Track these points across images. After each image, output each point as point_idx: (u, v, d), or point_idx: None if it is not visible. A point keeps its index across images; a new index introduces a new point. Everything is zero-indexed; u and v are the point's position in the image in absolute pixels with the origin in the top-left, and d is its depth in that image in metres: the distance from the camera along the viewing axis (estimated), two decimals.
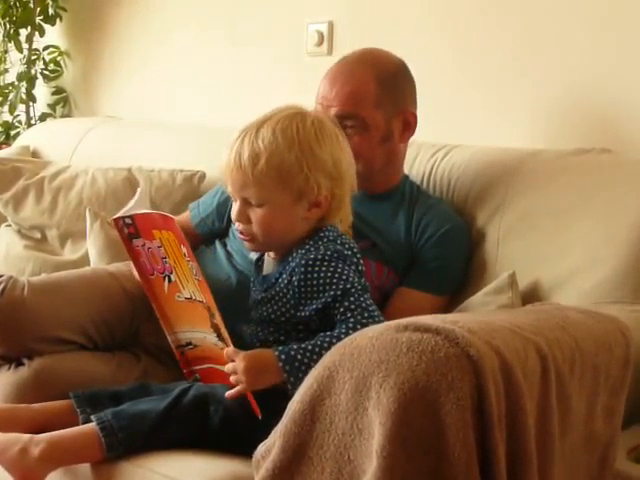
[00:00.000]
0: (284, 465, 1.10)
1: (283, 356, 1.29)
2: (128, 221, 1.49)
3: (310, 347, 1.29)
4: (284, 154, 1.38)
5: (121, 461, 1.34)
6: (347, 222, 1.49)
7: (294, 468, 1.10)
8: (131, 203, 1.57)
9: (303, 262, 1.37)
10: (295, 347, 1.30)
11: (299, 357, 1.28)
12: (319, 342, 1.29)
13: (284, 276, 1.40)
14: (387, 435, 1.00)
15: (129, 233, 1.50)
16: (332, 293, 1.34)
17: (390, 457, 1.00)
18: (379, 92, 1.74)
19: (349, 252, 1.41)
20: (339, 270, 1.36)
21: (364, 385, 1.04)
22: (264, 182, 1.39)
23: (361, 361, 1.06)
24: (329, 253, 1.37)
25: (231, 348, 1.35)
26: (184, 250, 1.45)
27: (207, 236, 1.92)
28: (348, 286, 1.34)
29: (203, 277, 1.44)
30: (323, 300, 1.35)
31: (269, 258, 1.49)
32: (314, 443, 1.08)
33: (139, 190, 1.66)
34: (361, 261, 1.43)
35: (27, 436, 1.35)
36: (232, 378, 1.33)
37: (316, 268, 1.36)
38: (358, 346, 1.07)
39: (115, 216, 1.52)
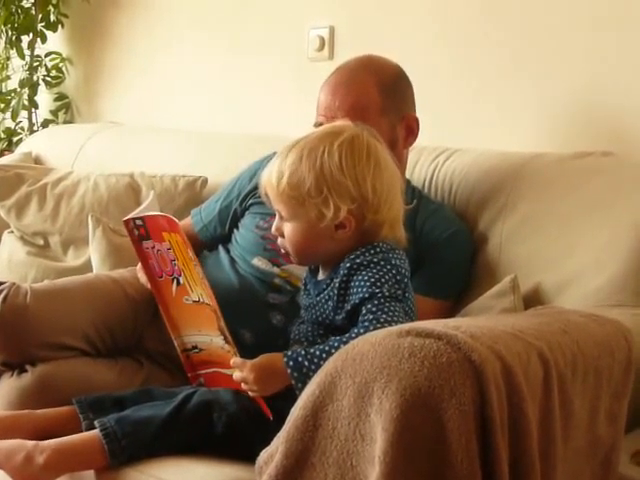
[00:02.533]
0: (287, 471, 1.10)
1: (291, 362, 1.29)
2: (139, 222, 1.50)
3: (318, 352, 1.29)
4: (304, 175, 1.38)
5: (124, 467, 1.34)
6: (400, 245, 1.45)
7: (297, 474, 1.09)
8: (142, 206, 1.58)
9: (348, 265, 1.37)
10: (303, 352, 1.30)
11: (306, 363, 1.28)
12: (327, 347, 1.29)
13: (335, 280, 1.40)
14: (389, 441, 1.00)
15: (139, 234, 1.51)
16: (360, 295, 1.34)
17: (392, 463, 1.00)
18: (382, 99, 1.74)
19: (398, 262, 1.39)
20: (377, 276, 1.35)
21: (366, 391, 1.04)
22: (287, 200, 1.41)
23: (363, 367, 1.06)
24: (375, 260, 1.37)
25: (238, 359, 1.36)
26: (190, 254, 1.46)
27: (209, 242, 1.92)
28: (377, 291, 1.33)
29: (207, 282, 1.45)
30: (352, 302, 1.35)
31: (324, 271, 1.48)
32: (316, 449, 1.08)
33: (151, 193, 1.66)
34: (407, 274, 1.41)
35: (31, 443, 1.35)
36: (243, 386, 1.34)
37: (358, 272, 1.36)
38: (360, 352, 1.07)
39: (126, 217, 1.53)
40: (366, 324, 1.30)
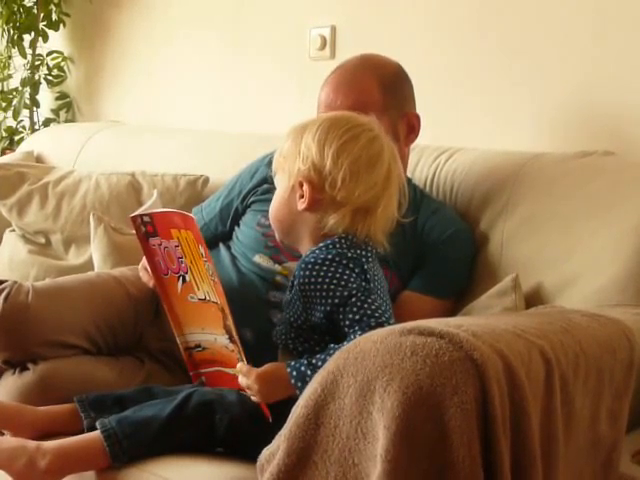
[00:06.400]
0: (288, 469, 1.10)
1: (295, 372, 1.29)
2: (146, 219, 1.50)
3: (320, 363, 1.27)
4: (289, 141, 1.43)
5: (126, 465, 1.34)
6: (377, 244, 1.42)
7: (298, 472, 1.09)
8: (147, 204, 1.58)
9: (303, 265, 1.37)
10: (306, 362, 1.29)
11: (309, 372, 1.27)
12: (328, 357, 1.26)
13: (294, 282, 1.39)
14: (391, 439, 1.00)
15: (146, 231, 1.51)
16: (330, 301, 1.32)
17: (394, 461, 1.00)
18: (383, 97, 1.74)
19: (355, 255, 1.37)
20: (337, 275, 1.33)
21: (368, 389, 1.04)
22: (276, 166, 1.46)
23: (365, 365, 1.06)
24: (330, 257, 1.35)
25: (245, 366, 1.34)
26: (202, 250, 1.45)
27: (211, 240, 1.91)
28: (346, 293, 1.32)
29: (218, 279, 1.44)
30: (322, 308, 1.33)
31: None
32: (318, 447, 1.08)
33: (154, 193, 1.66)
34: (367, 266, 1.38)
35: (33, 446, 1.35)
36: (247, 391, 1.34)
37: (314, 272, 1.34)
38: (362, 350, 1.07)
39: (133, 214, 1.53)
40: (359, 333, 1.28)
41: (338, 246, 1.38)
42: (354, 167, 1.38)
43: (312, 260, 1.36)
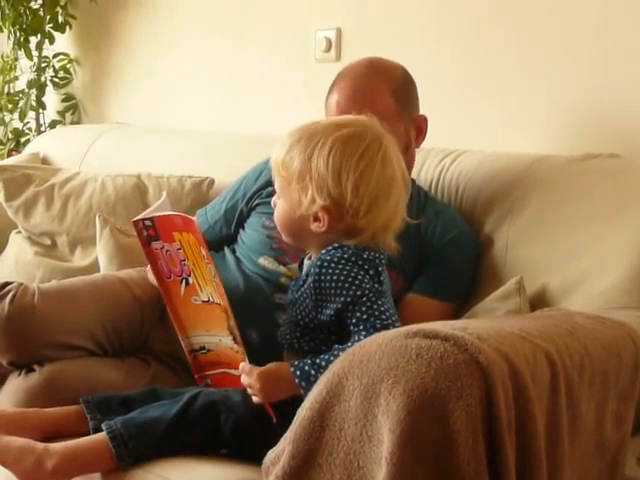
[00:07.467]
0: (293, 472, 1.10)
1: (298, 372, 1.29)
2: (148, 223, 1.50)
3: (324, 363, 1.27)
4: (294, 158, 1.38)
5: (132, 467, 1.35)
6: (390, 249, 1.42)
7: (303, 475, 1.10)
8: (153, 207, 1.58)
9: (319, 263, 1.36)
10: (310, 362, 1.30)
11: (313, 372, 1.28)
12: (332, 357, 1.28)
13: (309, 280, 1.39)
14: (396, 442, 1.00)
15: (148, 235, 1.51)
16: (342, 299, 1.32)
17: (399, 464, 1.00)
18: (397, 104, 1.75)
19: (370, 256, 1.37)
20: (352, 274, 1.34)
21: (373, 392, 1.04)
22: (278, 175, 1.42)
23: (370, 368, 1.06)
24: (346, 256, 1.35)
25: (247, 365, 1.35)
26: (203, 252, 1.46)
27: (215, 243, 1.92)
28: (359, 292, 1.32)
29: (220, 280, 1.45)
30: (334, 306, 1.33)
31: (307, 260, 1.48)
32: (323, 450, 1.08)
33: (163, 194, 1.66)
34: (381, 268, 1.39)
35: (41, 447, 1.36)
36: (249, 392, 1.34)
37: (330, 270, 1.34)
38: (367, 353, 1.08)
39: (135, 218, 1.53)
40: (363, 333, 1.28)
41: (353, 248, 1.38)
42: (374, 194, 1.36)
43: (329, 258, 1.36)
